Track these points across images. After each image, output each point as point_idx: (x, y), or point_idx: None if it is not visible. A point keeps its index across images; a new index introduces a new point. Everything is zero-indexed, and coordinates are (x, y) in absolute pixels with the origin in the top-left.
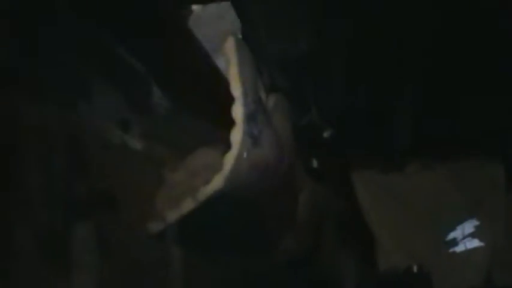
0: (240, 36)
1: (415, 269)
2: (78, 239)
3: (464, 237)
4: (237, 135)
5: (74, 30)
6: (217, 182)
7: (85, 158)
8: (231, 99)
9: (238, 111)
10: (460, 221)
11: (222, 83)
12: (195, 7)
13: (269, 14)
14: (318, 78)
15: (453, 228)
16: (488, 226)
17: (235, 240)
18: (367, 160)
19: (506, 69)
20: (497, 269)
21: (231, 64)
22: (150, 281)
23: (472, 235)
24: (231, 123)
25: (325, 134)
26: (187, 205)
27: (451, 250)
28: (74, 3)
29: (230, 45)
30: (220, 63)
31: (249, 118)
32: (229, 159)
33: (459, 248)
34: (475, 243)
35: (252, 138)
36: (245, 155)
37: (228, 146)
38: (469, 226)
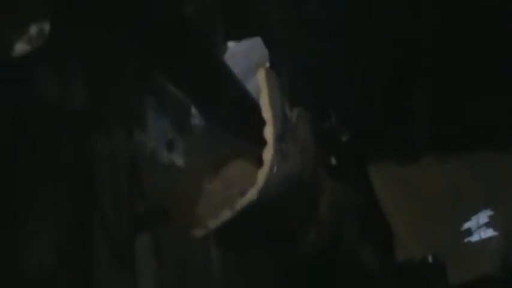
0: (268, 66)
1: (430, 259)
2: (140, 246)
3: (479, 227)
4: (268, 154)
5: (133, 71)
6: (251, 194)
7: (142, 178)
8: (262, 122)
9: (269, 132)
10: (475, 212)
11: (255, 108)
12: (230, 43)
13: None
14: (336, 86)
15: (468, 219)
16: (503, 216)
17: (266, 241)
18: (384, 154)
19: None
20: None
21: (262, 91)
22: (197, 279)
23: (487, 225)
24: (263, 141)
25: (344, 138)
26: (226, 214)
27: (466, 240)
28: (132, 50)
29: (261, 76)
30: (252, 90)
31: (279, 138)
32: (262, 175)
33: (474, 238)
34: (490, 232)
35: (281, 154)
36: (275, 169)
37: (258, 160)
38: (483, 216)
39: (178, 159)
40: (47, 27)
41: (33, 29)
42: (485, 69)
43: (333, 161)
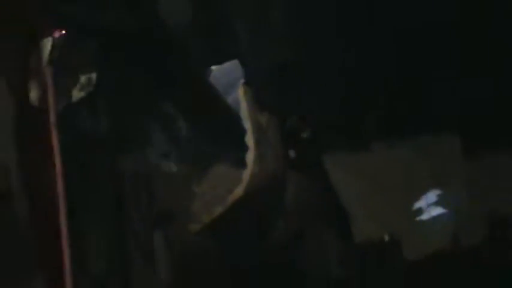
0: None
1: (386, 238)
2: (156, 241)
3: (428, 206)
4: (251, 157)
5: (142, 98)
6: (238, 192)
7: (152, 187)
8: (243, 130)
9: (250, 139)
10: (425, 192)
11: (236, 118)
12: (213, 67)
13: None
14: (299, 88)
15: (419, 199)
16: (450, 194)
17: (250, 230)
18: (337, 144)
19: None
20: (463, 232)
21: (242, 105)
22: (199, 266)
23: (436, 204)
24: (244, 147)
25: (304, 134)
26: (218, 210)
27: (417, 219)
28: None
29: (241, 92)
30: (233, 104)
31: (258, 143)
32: (247, 175)
33: (425, 216)
34: (439, 210)
35: (261, 157)
36: (257, 170)
37: (240, 163)
38: (432, 196)
39: (173, 167)
40: (94, 76)
41: (83, 79)
42: (432, 54)
43: (292, 154)
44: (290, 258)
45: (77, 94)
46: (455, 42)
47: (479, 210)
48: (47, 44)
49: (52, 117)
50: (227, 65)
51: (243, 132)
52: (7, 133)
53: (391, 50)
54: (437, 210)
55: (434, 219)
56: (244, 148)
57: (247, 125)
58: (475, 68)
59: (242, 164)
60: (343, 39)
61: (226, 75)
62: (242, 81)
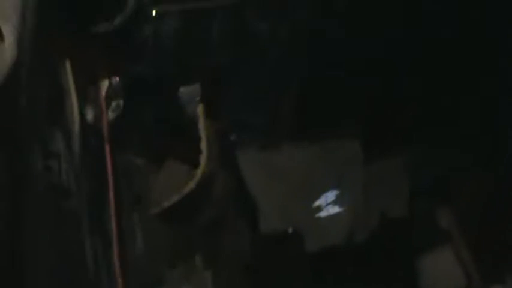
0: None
1: (290, 230)
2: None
3: (327, 205)
4: (203, 159)
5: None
6: (192, 185)
7: (134, 179)
8: (199, 138)
9: (203, 146)
10: (324, 191)
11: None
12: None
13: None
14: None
15: (319, 197)
16: (347, 195)
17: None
18: (249, 142)
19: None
20: (357, 229)
21: (200, 120)
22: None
23: (334, 202)
24: (199, 150)
25: (232, 137)
26: (174, 198)
27: (316, 215)
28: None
29: (200, 108)
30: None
31: (209, 148)
32: (199, 171)
33: (323, 214)
34: (336, 209)
35: (210, 159)
36: (206, 169)
37: (185, 160)
38: (331, 195)
39: (140, 162)
40: (121, 103)
41: (113, 104)
42: (338, 61)
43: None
44: (211, 243)
45: (110, 116)
46: (357, 53)
47: (372, 210)
48: (105, 84)
49: (106, 135)
50: (189, 87)
51: (198, 139)
52: None
53: (301, 53)
54: (335, 209)
55: (332, 217)
56: (199, 151)
57: (202, 134)
58: (375, 81)
59: (197, 163)
60: (258, 40)
61: (188, 94)
62: (199, 98)
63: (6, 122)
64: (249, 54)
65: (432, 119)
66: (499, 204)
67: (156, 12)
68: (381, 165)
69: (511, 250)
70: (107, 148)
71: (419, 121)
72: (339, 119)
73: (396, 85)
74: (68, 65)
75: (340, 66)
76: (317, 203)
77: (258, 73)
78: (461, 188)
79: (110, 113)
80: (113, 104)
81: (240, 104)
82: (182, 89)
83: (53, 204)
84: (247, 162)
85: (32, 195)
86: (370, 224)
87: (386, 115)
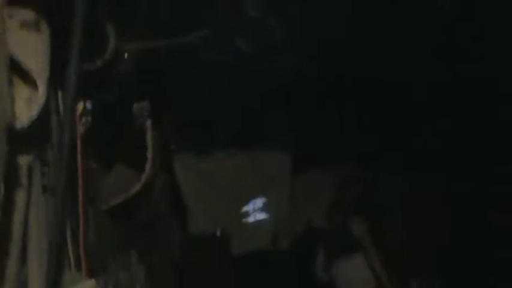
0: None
1: (218, 233)
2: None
3: (254, 211)
4: (148, 166)
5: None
6: (137, 187)
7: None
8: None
9: (149, 154)
10: (252, 198)
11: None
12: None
13: None
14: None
15: (247, 203)
16: (274, 203)
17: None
18: (185, 149)
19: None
20: (282, 235)
21: (147, 132)
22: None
23: (261, 209)
24: (145, 160)
25: (172, 147)
26: (121, 197)
27: (244, 220)
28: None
29: (148, 124)
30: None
31: (153, 157)
32: (144, 177)
33: (250, 219)
34: (263, 215)
35: (153, 165)
36: (150, 174)
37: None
38: (258, 202)
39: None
40: (89, 119)
41: (83, 120)
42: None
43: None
44: (146, 240)
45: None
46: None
47: (296, 218)
48: (80, 106)
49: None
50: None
51: (145, 148)
52: None
53: (241, 72)
54: (261, 216)
55: (258, 222)
56: (145, 159)
57: (149, 144)
58: (309, 97)
59: (143, 169)
60: (200, 70)
61: (139, 110)
62: (147, 114)
63: None
64: (190, 82)
65: (356, 138)
66: (405, 218)
67: (127, 53)
68: (308, 177)
69: (414, 258)
70: (79, 155)
71: (345, 140)
72: (270, 131)
73: (328, 102)
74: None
75: (273, 83)
76: (245, 208)
77: (198, 95)
78: (373, 201)
79: (80, 127)
80: (83, 119)
81: (181, 119)
82: (134, 106)
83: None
84: (182, 169)
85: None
86: (295, 231)
87: (316, 130)
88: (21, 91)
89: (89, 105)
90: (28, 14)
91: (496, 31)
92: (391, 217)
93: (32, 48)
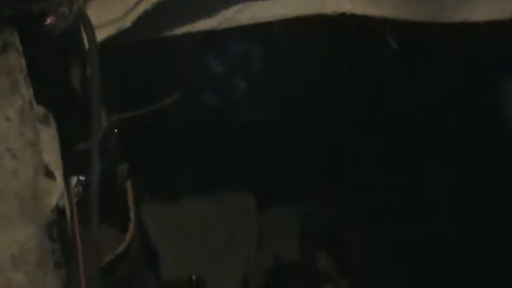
0: None
1: (194, 278)
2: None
3: (222, 251)
4: (131, 225)
5: None
6: (122, 247)
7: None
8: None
9: (132, 214)
10: (220, 239)
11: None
12: None
13: None
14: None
15: (216, 246)
16: (242, 243)
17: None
18: (153, 195)
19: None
20: (251, 274)
21: (128, 193)
22: None
23: (230, 250)
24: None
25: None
26: (108, 258)
27: (214, 263)
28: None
29: (129, 185)
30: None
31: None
32: (128, 237)
33: (220, 261)
34: (232, 255)
35: (134, 225)
36: (132, 233)
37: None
38: (227, 243)
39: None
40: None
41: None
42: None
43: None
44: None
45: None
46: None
47: (265, 256)
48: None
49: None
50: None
51: (128, 209)
52: None
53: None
54: (230, 255)
55: (228, 264)
56: (128, 219)
57: (131, 204)
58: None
59: (126, 229)
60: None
61: (120, 171)
62: (126, 175)
63: None
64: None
65: (320, 174)
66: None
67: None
68: (273, 213)
69: None
70: (74, 222)
71: (307, 175)
72: (233, 172)
73: (288, 140)
74: None
75: (234, 125)
76: (215, 251)
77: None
78: (341, 236)
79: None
80: (75, 190)
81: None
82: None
83: None
84: (151, 217)
85: None
86: (264, 268)
87: (278, 167)
88: None
89: (82, 177)
90: (39, 109)
91: None
92: (358, 249)
93: (45, 142)
